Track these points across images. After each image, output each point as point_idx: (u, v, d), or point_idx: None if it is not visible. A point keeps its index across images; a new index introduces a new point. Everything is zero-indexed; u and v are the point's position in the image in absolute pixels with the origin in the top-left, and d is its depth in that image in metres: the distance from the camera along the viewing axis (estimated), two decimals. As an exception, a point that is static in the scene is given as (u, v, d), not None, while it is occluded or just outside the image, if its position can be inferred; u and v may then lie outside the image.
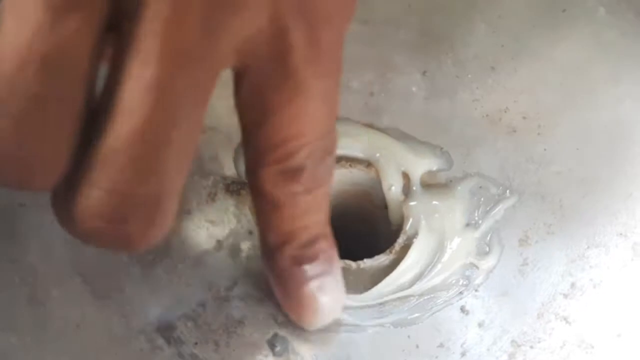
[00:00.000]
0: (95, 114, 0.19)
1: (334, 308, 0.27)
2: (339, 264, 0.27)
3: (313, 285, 0.26)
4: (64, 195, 0.19)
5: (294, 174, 0.23)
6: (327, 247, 0.26)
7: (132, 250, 0.21)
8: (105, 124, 0.18)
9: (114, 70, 0.18)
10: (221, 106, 0.27)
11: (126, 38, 0.18)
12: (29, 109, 0.17)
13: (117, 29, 0.18)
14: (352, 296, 0.30)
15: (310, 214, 0.25)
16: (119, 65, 0.18)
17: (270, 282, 0.28)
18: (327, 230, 0.26)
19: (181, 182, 0.20)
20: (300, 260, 0.25)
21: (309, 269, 0.26)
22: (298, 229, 0.25)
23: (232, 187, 0.32)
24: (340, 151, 0.32)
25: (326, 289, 0.26)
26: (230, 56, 0.20)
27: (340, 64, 0.23)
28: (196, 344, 0.29)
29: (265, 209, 0.24)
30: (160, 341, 0.29)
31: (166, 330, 0.29)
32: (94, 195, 0.19)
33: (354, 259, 0.31)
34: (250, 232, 0.31)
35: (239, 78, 0.21)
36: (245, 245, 0.31)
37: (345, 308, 0.30)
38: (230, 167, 0.32)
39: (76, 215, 0.19)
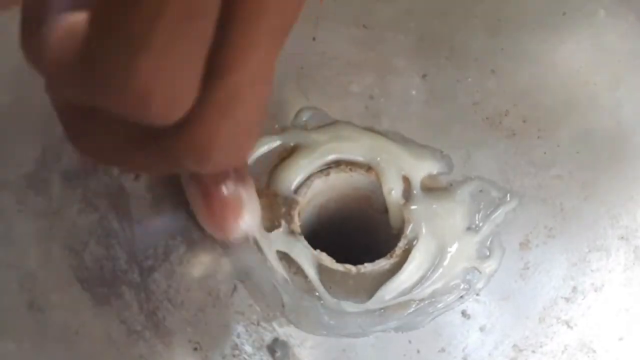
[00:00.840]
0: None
1: (251, 219, 0.28)
2: (252, 183, 0.28)
3: (232, 191, 0.27)
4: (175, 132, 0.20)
5: None
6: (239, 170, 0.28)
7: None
8: (225, 65, 0.20)
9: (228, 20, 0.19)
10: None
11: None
12: (169, 46, 0.18)
13: None
14: (353, 303, 0.30)
15: None
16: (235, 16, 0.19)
17: (189, 198, 0.29)
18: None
19: None
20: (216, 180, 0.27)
21: (227, 182, 0.27)
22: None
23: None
24: (340, 155, 0.32)
25: (244, 197, 0.28)
26: None
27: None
28: (195, 349, 0.29)
29: None
30: (160, 347, 0.29)
31: (165, 335, 0.29)
32: (222, 126, 0.20)
33: (354, 264, 0.31)
34: (250, 237, 0.31)
35: None
36: (245, 250, 0.31)
37: (347, 314, 0.30)
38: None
39: (203, 143, 0.20)
